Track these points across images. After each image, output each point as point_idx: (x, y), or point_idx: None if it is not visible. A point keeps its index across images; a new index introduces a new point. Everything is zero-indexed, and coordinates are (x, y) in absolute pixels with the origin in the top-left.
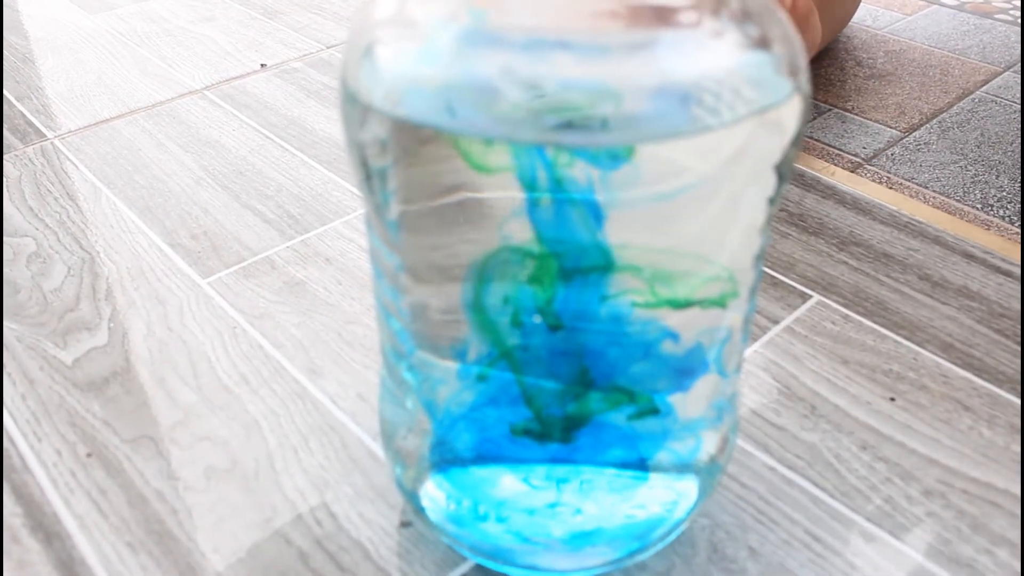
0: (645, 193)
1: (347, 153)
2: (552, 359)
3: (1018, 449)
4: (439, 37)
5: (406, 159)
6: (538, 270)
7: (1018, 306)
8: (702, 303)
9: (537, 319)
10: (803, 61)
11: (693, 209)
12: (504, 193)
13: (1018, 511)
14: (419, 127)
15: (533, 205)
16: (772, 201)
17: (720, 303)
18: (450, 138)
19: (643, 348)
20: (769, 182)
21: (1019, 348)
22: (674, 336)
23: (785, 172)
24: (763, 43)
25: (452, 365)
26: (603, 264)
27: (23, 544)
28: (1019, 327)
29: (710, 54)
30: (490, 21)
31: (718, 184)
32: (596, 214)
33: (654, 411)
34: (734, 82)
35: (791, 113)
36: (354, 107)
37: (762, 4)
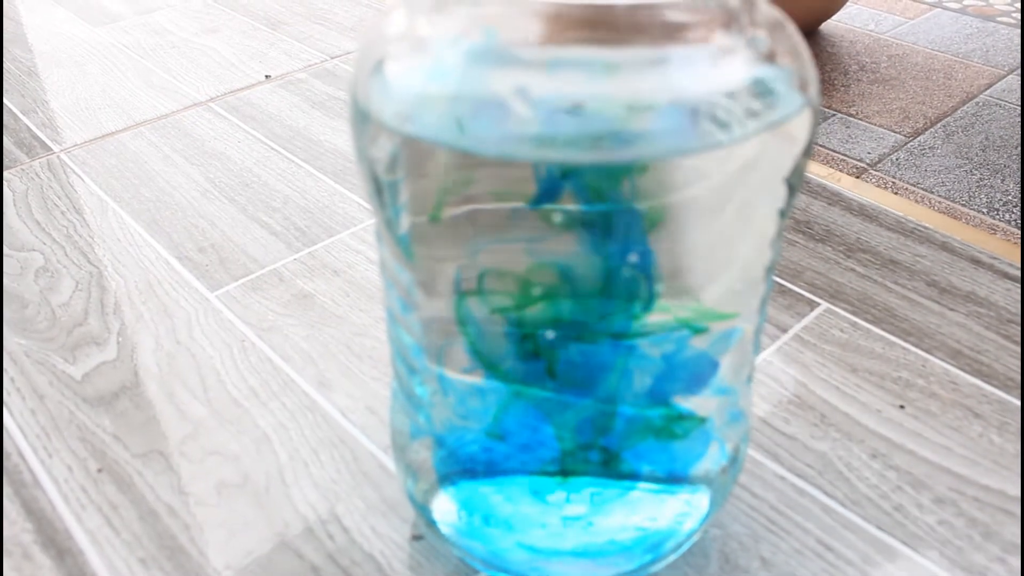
0: (656, 207)
1: (357, 167)
2: (566, 374)
3: None
4: (450, 54)
5: (417, 173)
6: (549, 284)
7: None
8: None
9: (550, 335)
10: (813, 74)
11: (705, 222)
12: (515, 206)
13: None
14: (429, 144)
15: (544, 219)
16: (783, 213)
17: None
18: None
19: (655, 358)
20: (780, 194)
21: None
22: (688, 342)
23: (796, 184)
24: (773, 57)
25: (465, 379)
26: (611, 279)
27: (35, 560)
28: None
29: (721, 70)
30: (501, 39)
31: (730, 197)
32: (606, 228)
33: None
34: (745, 97)
35: (801, 126)
36: (364, 123)
37: (772, 19)
